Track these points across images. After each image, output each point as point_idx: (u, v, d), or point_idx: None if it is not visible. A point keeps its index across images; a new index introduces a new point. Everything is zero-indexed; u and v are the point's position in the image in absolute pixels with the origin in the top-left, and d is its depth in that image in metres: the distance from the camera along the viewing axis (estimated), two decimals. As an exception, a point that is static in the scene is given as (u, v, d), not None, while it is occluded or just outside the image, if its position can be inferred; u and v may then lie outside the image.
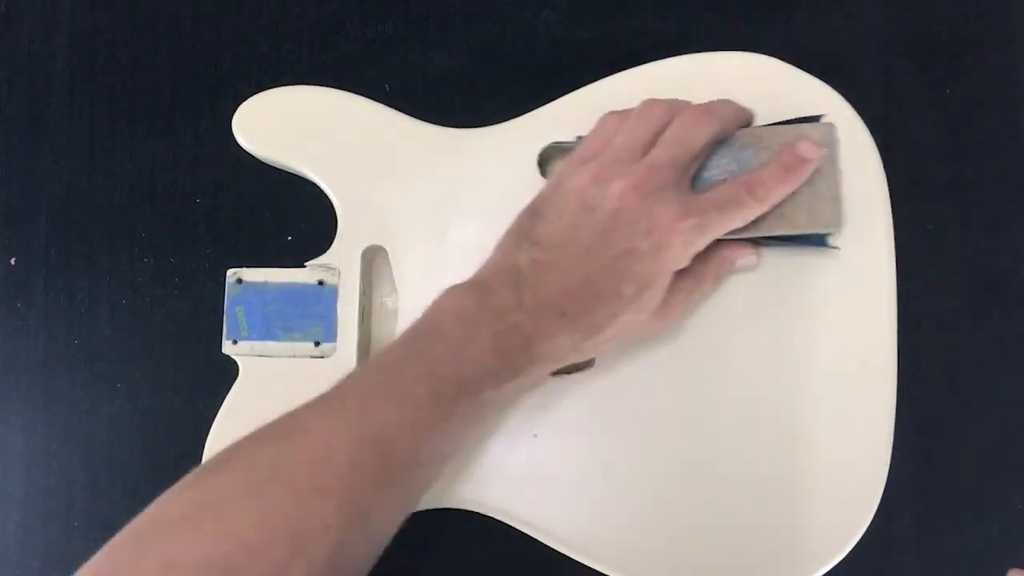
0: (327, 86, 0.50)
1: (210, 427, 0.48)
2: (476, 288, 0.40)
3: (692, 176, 0.43)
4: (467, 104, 0.51)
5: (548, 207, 0.42)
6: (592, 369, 0.46)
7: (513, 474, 0.45)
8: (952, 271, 0.49)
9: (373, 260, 0.50)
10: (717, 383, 0.45)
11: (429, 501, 0.45)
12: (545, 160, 0.49)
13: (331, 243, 0.49)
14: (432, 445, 0.39)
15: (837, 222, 0.44)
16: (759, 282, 0.46)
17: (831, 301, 0.45)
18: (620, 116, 0.44)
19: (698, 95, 0.47)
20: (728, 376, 0.45)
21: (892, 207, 0.46)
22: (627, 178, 0.40)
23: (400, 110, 0.50)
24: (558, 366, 0.41)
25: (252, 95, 0.50)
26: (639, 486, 0.45)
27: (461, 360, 0.38)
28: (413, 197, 0.49)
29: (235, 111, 0.50)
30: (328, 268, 0.49)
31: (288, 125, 0.50)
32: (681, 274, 0.42)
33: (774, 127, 0.45)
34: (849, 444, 0.44)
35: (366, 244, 0.49)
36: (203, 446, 0.48)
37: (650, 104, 0.44)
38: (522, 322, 0.39)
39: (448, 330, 0.39)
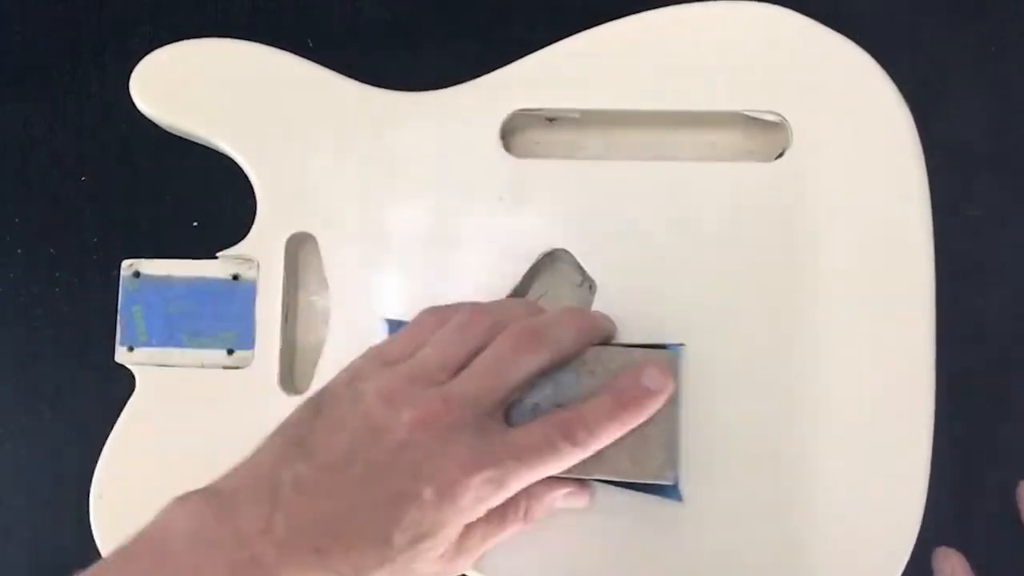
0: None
1: (100, 453, 0.45)
2: (219, 500, 0.36)
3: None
4: (411, 64, 0.48)
5: (333, 408, 0.38)
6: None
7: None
8: (1005, 266, 0.46)
9: (299, 251, 0.47)
10: (726, 407, 0.42)
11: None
12: (510, 131, 0.46)
13: (249, 230, 0.46)
14: None
15: (665, 474, 0.39)
16: (760, 288, 0.43)
17: (858, 310, 0.42)
18: (440, 317, 0.40)
19: (688, 56, 0.44)
20: (740, 398, 0.42)
21: (931, 190, 0.42)
22: (419, 409, 0.37)
23: (327, 71, 0.48)
24: None
25: (146, 50, 0.46)
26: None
27: None
28: (348, 174, 0.46)
29: (126, 70, 0.46)
30: (245, 260, 0.46)
31: (198, 85, 0.47)
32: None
33: (603, 348, 0.40)
34: (879, 477, 0.41)
35: (291, 231, 0.46)
36: (90, 475, 0.44)
37: (476, 314, 0.40)
38: (265, 554, 0.34)
39: (176, 551, 0.35)
